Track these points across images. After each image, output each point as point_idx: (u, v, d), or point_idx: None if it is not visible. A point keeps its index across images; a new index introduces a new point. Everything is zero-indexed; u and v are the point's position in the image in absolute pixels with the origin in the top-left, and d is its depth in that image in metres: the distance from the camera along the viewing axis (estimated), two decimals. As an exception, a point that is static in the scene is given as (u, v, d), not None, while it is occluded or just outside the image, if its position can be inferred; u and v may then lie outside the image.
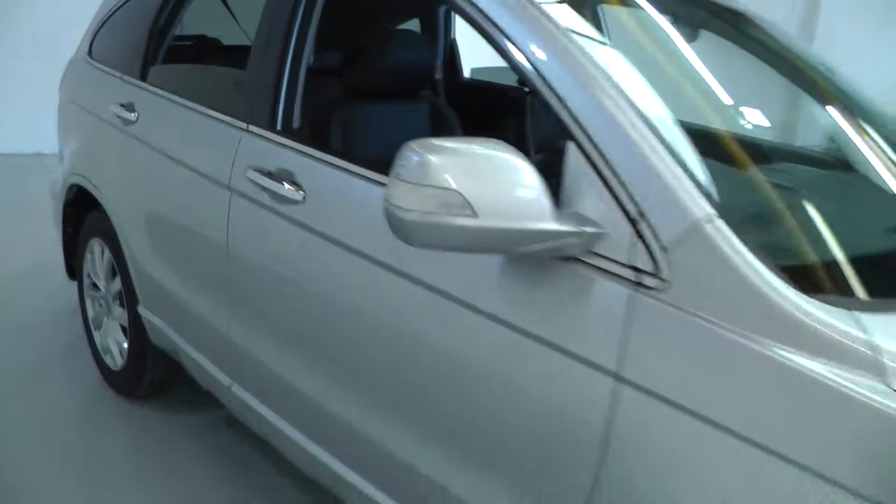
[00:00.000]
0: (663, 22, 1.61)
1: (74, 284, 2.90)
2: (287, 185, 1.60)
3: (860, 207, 1.44)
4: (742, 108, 1.72)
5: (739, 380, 0.96)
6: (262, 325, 1.77)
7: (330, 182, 1.54)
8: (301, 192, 1.57)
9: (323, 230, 1.52)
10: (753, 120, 1.57)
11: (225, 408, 2.09)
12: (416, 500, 1.42)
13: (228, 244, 1.80)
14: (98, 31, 2.73)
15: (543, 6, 1.29)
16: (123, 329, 2.54)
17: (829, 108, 1.76)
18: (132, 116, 2.27)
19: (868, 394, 0.86)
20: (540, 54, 1.23)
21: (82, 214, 2.70)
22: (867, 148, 1.56)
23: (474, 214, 1.03)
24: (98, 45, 2.70)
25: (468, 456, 1.30)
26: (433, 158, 1.03)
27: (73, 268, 2.89)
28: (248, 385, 1.87)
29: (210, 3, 2.40)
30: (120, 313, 2.53)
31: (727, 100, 1.69)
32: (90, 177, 2.51)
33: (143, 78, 2.33)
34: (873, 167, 1.51)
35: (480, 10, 1.32)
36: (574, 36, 1.24)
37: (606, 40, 1.44)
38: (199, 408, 2.56)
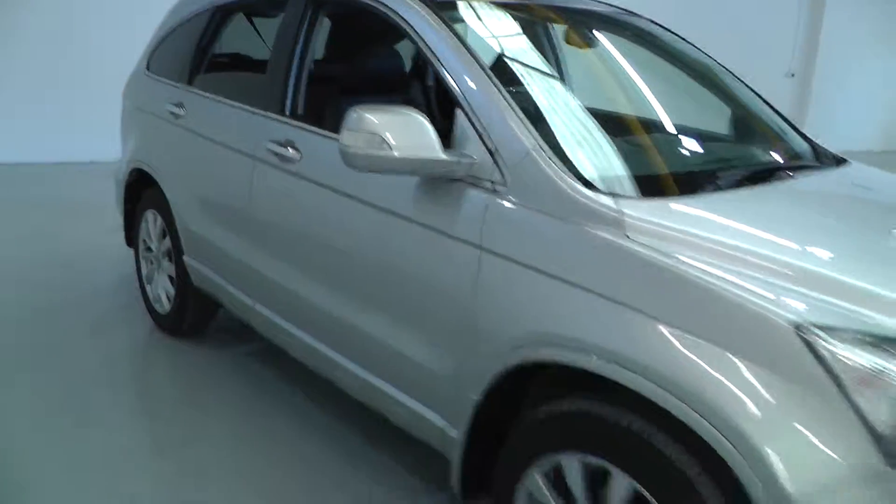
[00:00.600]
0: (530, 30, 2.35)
1: (125, 265, 3.67)
2: (290, 150, 2.34)
3: (635, 147, 2.14)
4: (576, 88, 2.46)
5: (548, 239, 1.65)
6: (273, 251, 2.51)
7: (316, 144, 2.28)
8: (298, 154, 2.31)
9: (311, 176, 2.27)
10: (581, 95, 2.24)
11: (249, 344, 2.79)
12: (363, 353, 2.14)
13: (252, 196, 2.55)
14: (153, 52, 3.53)
15: (451, 30, 2.02)
16: (170, 279, 3.29)
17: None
18: (182, 112, 3.04)
19: (613, 238, 1.54)
20: (444, 60, 1.96)
21: (139, 193, 3.48)
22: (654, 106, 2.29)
23: (391, 149, 1.75)
24: (154, 62, 3.50)
25: (396, 313, 2.01)
26: (367, 115, 1.76)
27: (130, 238, 3.66)
28: (258, 297, 2.60)
29: (237, 31, 3.17)
30: (168, 266, 3.29)
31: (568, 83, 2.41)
32: (149, 161, 3.29)
33: (191, 83, 3.11)
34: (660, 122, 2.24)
35: (417, 33, 2.06)
36: (463, 45, 1.97)
37: (490, 45, 2.16)
38: (229, 345, 3.31)
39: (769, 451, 1.24)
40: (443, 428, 1.89)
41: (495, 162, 1.78)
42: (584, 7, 2.76)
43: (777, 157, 2.42)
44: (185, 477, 2.37)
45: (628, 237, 1.53)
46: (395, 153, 1.75)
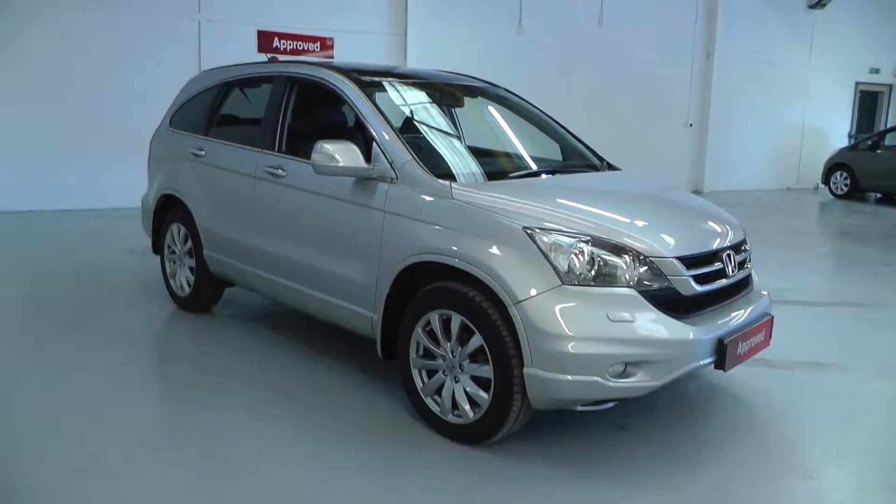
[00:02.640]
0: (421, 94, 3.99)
1: (142, 272, 5.11)
2: (280, 170, 3.86)
3: (466, 158, 3.73)
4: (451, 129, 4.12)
5: (419, 206, 3.17)
6: (267, 231, 3.99)
7: (296, 166, 3.80)
8: (285, 172, 3.83)
9: (293, 184, 3.79)
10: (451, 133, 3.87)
11: (244, 314, 4.21)
12: (323, 283, 3.62)
13: (254, 200, 4.05)
14: (175, 114, 5.05)
15: (370, 98, 3.57)
16: (191, 270, 4.72)
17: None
18: (202, 153, 4.55)
19: (445, 199, 3.08)
20: (366, 117, 3.52)
21: (164, 214, 4.93)
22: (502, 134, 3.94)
23: (338, 161, 3.27)
24: (175, 121, 5.01)
25: (341, 253, 3.50)
26: (325, 144, 3.28)
27: (157, 247, 5.09)
28: (258, 266, 4.07)
29: (235, 99, 4.70)
30: (189, 261, 4.72)
31: (441, 127, 4.06)
32: (176, 188, 4.76)
33: (207, 134, 4.62)
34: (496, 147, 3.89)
35: (351, 100, 3.62)
36: (375, 108, 3.53)
37: (394, 106, 3.74)
38: (237, 321, 4.74)
39: (512, 282, 2.75)
40: (370, 317, 3.37)
41: (392, 167, 3.31)
42: (464, 83, 4.39)
43: (569, 163, 4.07)
44: (204, 401, 3.78)
45: (453, 198, 3.08)
46: (340, 164, 3.27)
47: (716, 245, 3.10)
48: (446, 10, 10.30)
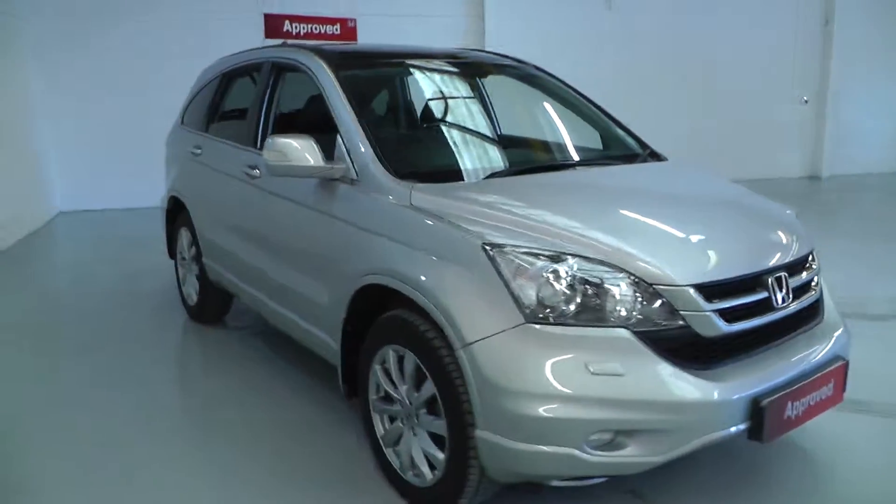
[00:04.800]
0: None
1: (171, 277, 4.82)
2: (255, 170, 3.37)
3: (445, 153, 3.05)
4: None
5: (374, 215, 2.57)
6: (246, 240, 3.52)
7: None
8: (259, 172, 3.33)
9: (263, 186, 3.28)
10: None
11: (252, 327, 3.80)
12: (288, 300, 3.11)
13: (236, 206, 3.59)
14: (186, 109, 4.70)
15: (342, 86, 2.98)
16: (197, 278, 4.37)
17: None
18: (199, 151, 4.16)
19: (395, 201, 2.46)
20: (335, 109, 2.94)
21: (175, 216, 4.61)
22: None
23: (289, 161, 2.72)
24: (186, 117, 4.67)
25: (302, 269, 2.96)
26: (277, 140, 2.74)
27: (172, 252, 4.79)
28: (242, 278, 3.62)
29: (236, 91, 4.27)
30: (195, 269, 4.37)
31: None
32: (179, 189, 4.42)
33: (206, 131, 4.23)
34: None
35: (324, 89, 3.04)
36: (344, 95, 2.94)
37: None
38: (237, 329, 4.34)
39: (461, 318, 2.10)
40: (329, 343, 2.81)
41: (354, 167, 2.72)
42: (483, 60, 3.70)
43: (598, 154, 3.29)
44: (211, 402, 3.39)
45: (411, 205, 2.44)
46: (291, 163, 2.72)
47: (760, 266, 2.27)
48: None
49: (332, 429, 3.02)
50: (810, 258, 2.54)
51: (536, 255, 2.10)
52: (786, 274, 2.30)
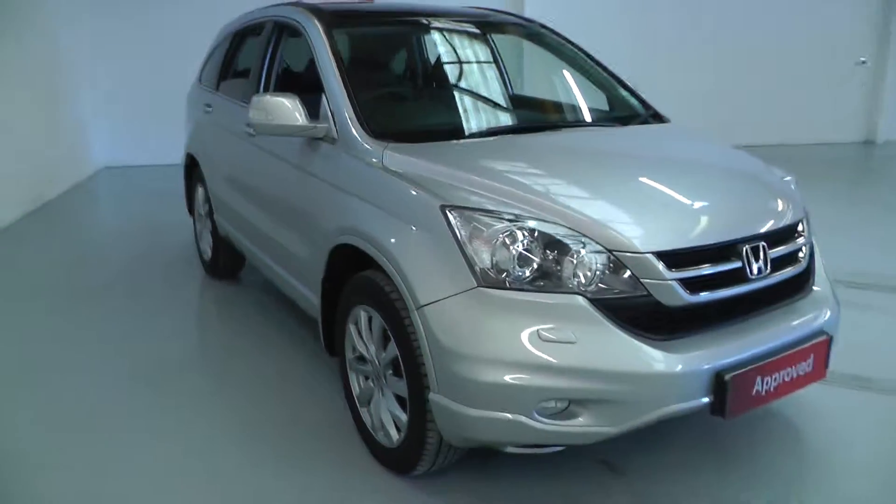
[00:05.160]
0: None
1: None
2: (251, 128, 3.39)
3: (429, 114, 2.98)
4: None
5: (349, 174, 2.55)
6: (245, 196, 3.56)
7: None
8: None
9: (258, 144, 3.30)
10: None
11: (263, 286, 3.87)
12: (278, 255, 3.14)
13: (237, 163, 3.63)
14: (203, 68, 4.74)
15: (331, 44, 2.94)
16: (210, 233, 4.46)
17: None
18: (210, 109, 4.19)
19: (368, 161, 2.43)
20: (321, 63, 2.90)
21: (192, 172, 4.69)
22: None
23: (274, 119, 2.71)
24: (202, 76, 4.71)
25: (290, 226, 2.98)
26: (263, 98, 2.73)
27: (191, 208, 4.89)
28: (244, 234, 3.67)
29: (244, 50, 4.26)
30: (209, 224, 4.45)
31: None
32: (193, 147, 4.49)
33: (217, 89, 4.26)
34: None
35: (312, 49, 3.01)
36: (332, 53, 2.89)
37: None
38: (250, 287, 4.43)
39: (416, 280, 2.07)
40: (312, 299, 2.83)
41: (335, 126, 2.69)
42: (487, 19, 3.59)
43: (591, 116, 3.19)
44: (218, 351, 3.49)
45: (383, 164, 2.41)
46: (274, 122, 2.71)
47: (734, 235, 2.16)
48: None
49: (322, 384, 3.07)
50: (800, 227, 2.41)
51: (494, 218, 2.05)
52: (764, 244, 2.18)
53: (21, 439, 2.74)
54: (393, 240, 2.20)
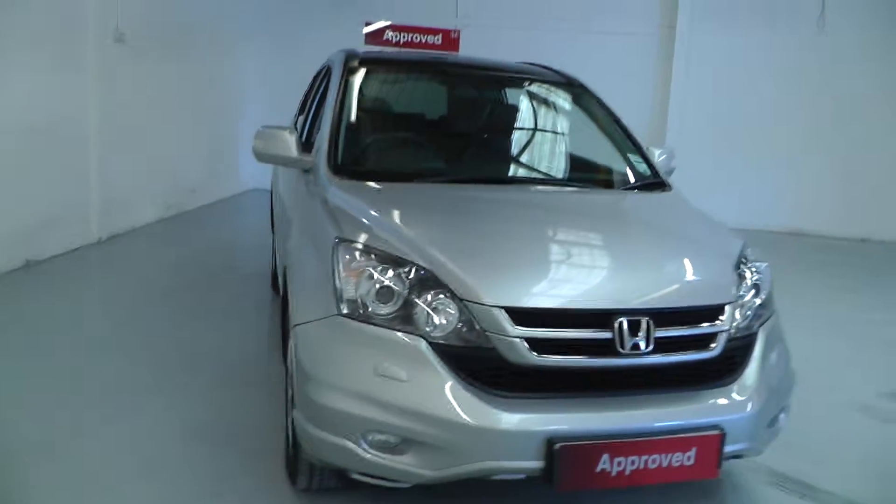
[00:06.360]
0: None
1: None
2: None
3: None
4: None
5: (303, 201, 2.77)
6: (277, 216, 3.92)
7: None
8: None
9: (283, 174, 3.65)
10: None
11: None
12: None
13: (280, 188, 4.03)
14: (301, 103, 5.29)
15: (346, 82, 3.23)
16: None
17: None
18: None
19: (317, 192, 2.64)
20: (327, 101, 3.19)
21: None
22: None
23: (270, 149, 3.02)
24: (299, 109, 5.25)
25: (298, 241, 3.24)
26: (264, 130, 3.06)
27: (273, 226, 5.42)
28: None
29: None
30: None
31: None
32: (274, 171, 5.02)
33: (295, 124, 4.75)
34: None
35: (328, 96, 3.30)
36: (339, 93, 3.17)
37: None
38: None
39: (296, 301, 2.25)
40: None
41: (315, 157, 2.96)
42: (519, 74, 3.70)
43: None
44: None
45: (326, 196, 2.61)
46: (270, 151, 3.03)
47: (606, 303, 2.07)
48: (725, 3, 8.84)
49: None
50: (722, 314, 2.20)
51: (367, 255, 2.16)
52: (649, 320, 2.05)
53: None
54: (298, 264, 2.40)
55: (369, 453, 2.00)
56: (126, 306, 4.48)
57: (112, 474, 2.57)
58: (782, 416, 2.38)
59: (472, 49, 9.24)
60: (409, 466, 1.98)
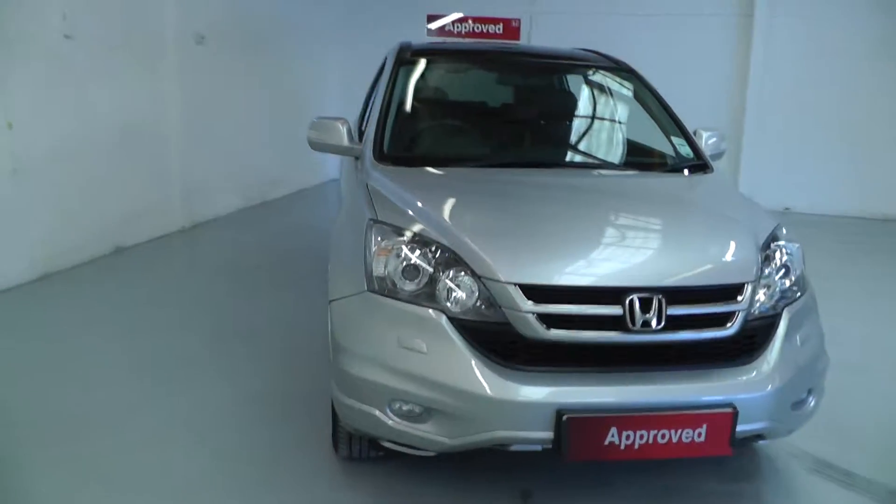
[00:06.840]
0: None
1: None
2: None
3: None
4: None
5: (351, 186, 2.95)
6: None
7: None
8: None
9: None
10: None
11: None
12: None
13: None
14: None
15: (395, 76, 3.39)
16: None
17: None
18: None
19: (363, 178, 2.82)
20: (377, 93, 3.36)
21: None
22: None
23: (324, 138, 3.22)
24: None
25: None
26: (318, 120, 3.26)
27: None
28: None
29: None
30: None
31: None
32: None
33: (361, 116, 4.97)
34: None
35: (375, 96, 3.47)
36: (389, 85, 3.33)
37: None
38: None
39: (333, 278, 2.43)
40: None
41: (363, 149, 3.13)
42: (568, 60, 3.75)
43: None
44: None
45: (369, 181, 2.77)
46: (324, 140, 3.23)
47: (617, 281, 2.14)
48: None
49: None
50: (741, 293, 2.22)
51: (397, 234, 2.31)
52: (661, 297, 2.11)
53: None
54: (335, 243, 2.58)
55: (393, 420, 2.16)
56: (201, 285, 4.87)
57: (179, 434, 2.88)
58: (811, 398, 2.37)
59: (546, 36, 9.32)
60: (430, 434, 2.12)
